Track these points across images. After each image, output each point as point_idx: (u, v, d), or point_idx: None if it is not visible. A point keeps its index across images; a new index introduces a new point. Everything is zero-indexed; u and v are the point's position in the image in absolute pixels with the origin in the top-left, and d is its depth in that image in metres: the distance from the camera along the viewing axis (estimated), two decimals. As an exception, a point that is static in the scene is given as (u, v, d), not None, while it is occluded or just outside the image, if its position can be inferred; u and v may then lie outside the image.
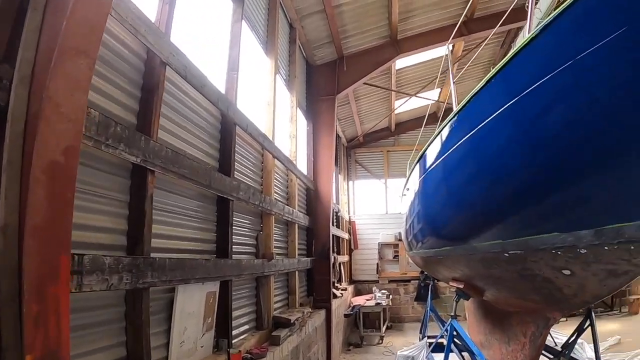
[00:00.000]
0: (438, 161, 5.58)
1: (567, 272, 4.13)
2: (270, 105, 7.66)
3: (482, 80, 4.38)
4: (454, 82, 6.22)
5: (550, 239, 3.85)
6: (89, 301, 3.21)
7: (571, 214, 3.64)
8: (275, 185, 7.76)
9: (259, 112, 7.48)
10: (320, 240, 10.64)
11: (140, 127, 3.84)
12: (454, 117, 5.07)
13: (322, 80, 11.84)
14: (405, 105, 17.57)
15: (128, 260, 3.36)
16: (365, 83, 13.70)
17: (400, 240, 17.99)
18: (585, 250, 3.65)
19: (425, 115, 18.79)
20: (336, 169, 16.96)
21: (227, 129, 5.59)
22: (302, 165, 10.82)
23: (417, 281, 17.54)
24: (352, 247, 18.88)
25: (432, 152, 5.90)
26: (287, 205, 8.47)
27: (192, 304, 4.51)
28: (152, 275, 3.66)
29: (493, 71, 4.18)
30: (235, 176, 5.74)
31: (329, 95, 11.69)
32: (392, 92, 15.97)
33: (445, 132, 5.36)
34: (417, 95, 15.90)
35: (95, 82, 3.37)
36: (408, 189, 7.92)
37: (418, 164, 6.87)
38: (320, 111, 11.55)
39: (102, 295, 3.36)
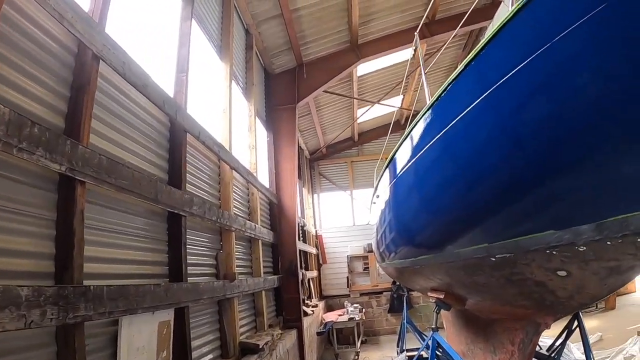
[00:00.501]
0: (410, 164, 5.15)
1: (562, 273, 3.72)
2: (226, 113, 7.10)
3: (455, 71, 4.01)
4: (424, 73, 5.79)
5: (544, 238, 3.44)
6: (5, 343, 2.59)
7: (567, 208, 3.22)
8: (235, 199, 7.18)
9: (214, 120, 6.91)
10: (287, 257, 10.06)
11: (68, 130, 3.24)
12: (424, 114, 4.68)
13: (281, 89, 11.37)
14: (368, 114, 17.28)
15: (53, 290, 2.74)
16: (326, 91, 13.33)
17: (369, 251, 17.57)
18: (585, 248, 3.25)
19: (388, 123, 18.87)
20: (300, 182, 16.45)
21: (177, 137, 5.01)
22: (264, 178, 10.26)
23: (389, 292, 17.10)
24: (321, 261, 18.33)
25: (403, 155, 5.47)
26: (249, 220, 7.89)
27: (141, 338, 3.87)
28: (86, 308, 3.03)
29: (466, 60, 3.80)
30: (188, 189, 5.15)
31: (289, 104, 11.21)
32: (354, 100, 15.63)
33: (416, 132, 4.95)
34: (380, 102, 15.60)
35: (9, 74, 2.79)
36: (378, 197, 7.47)
37: (387, 170, 6.45)
38: (280, 121, 11.04)
39: (24, 335, 2.72)
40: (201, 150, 5.87)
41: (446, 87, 4.15)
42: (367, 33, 11.83)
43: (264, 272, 8.63)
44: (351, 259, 18.04)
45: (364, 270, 17.92)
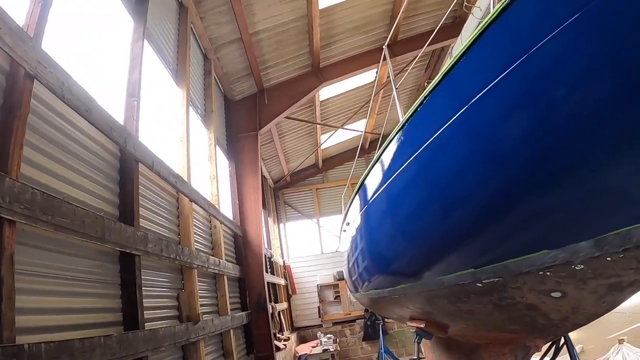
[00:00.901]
0: (382, 188, 4.84)
1: (557, 294, 3.43)
2: (183, 142, 6.66)
3: (427, 88, 3.78)
4: (396, 88, 5.53)
5: (537, 258, 3.15)
6: None
7: (561, 225, 2.94)
8: (196, 234, 6.69)
9: (170, 150, 6.47)
10: (255, 291, 9.53)
11: (-7, 161, 2.78)
12: (395, 136, 4.42)
13: (242, 116, 11.00)
14: (331, 140, 17.07)
15: (-27, 355, 2.25)
16: (288, 117, 13.07)
17: (339, 279, 17.14)
18: (583, 266, 2.96)
19: (352, 148, 18.73)
20: (265, 212, 15.98)
21: (128, 167, 4.55)
22: (227, 210, 9.79)
23: (362, 320, 16.62)
24: (290, 292, 17.74)
25: (374, 180, 5.16)
26: (213, 255, 7.39)
27: (90, 399, 3.35)
28: (19, 372, 2.54)
29: (438, 76, 3.57)
30: (142, 225, 4.67)
31: (250, 131, 10.84)
32: (318, 126, 15.39)
33: (387, 155, 4.66)
34: (344, 127, 15.42)
35: None
36: (348, 224, 7.11)
37: (357, 196, 6.13)
38: (242, 149, 10.63)
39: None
40: (156, 182, 5.40)
41: (418, 106, 3.91)
42: (329, 56, 11.68)
43: (231, 309, 8.10)
44: (321, 288, 17.53)
45: (335, 298, 17.43)
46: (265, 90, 11.33)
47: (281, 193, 19.42)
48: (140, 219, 4.63)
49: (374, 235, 5.64)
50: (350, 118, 15.15)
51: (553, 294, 3.43)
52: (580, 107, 2.42)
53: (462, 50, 3.18)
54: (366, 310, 16.29)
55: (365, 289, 7.01)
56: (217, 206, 7.99)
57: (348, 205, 6.82)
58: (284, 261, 18.03)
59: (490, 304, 4.00)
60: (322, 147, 17.65)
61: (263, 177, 16.11)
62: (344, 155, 19.24)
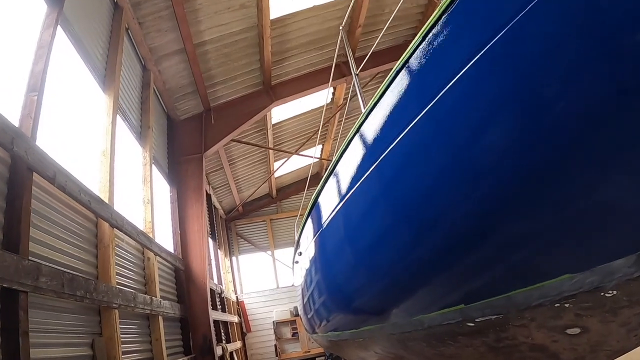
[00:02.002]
0: (338, 207, 3.99)
1: (574, 330, 2.62)
2: (106, 157, 5.64)
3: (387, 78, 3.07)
4: (360, 92, 4.77)
5: (555, 286, 2.38)
6: None
7: (592, 237, 2.18)
8: (122, 266, 5.60)
9: (90, 166, 5.44)
10: (200, 331, 8.38)
11: None
12: (353, 138, 3.66)
13: (187, 138, 10.02)
14: (286, 167, 16.20)
15: None
16: (238, 141, 12.17)
17: (297, 315, 16.02)
18: (615, 292, 2.19)
19: (308, 176, 17.85)
20: (215, 244, 14.83)
21: (17, 178, 3.52)
22: (167, 241, 8.69)
23: (322, 357, 15.48)
24: (245, 330, 16.46)
25: (328, 197, 4.31)
26: (145, 293, 6.30)
27: None
28: None
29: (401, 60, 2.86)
30: (37, 253, 3.62)
31: (195, 153, 9.84)
32: (270, 152, 14.53)
33: (343, 166, 3.86)
34: (298, 153, 14.59)
35: None
36: (300, 254, 6.17)
37: (310, 218, 5.25)
38: (186, 173, 9.60)
39: None
40: (65, 201, 4.35)
41: (380, 97, 3.17)
42: (282, 73, 10.96)
43: (169, 355, 6.95)
44: (277, 324, 16.34)
45: (293, 335, 16.26)
46: (212, 110, 10.43)
47: (233, 224, 18.31)
48: (35, 245, 3.59)
49: (330, 266, 4.74)
50: (304, 144, 14.35)
51: (570, 331, 2.62)
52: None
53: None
54: (326, 348, 15.21)
55: (324, 329, 6.06)
56: (151, 235, 6.92)
57: (300, 230, 5.93)
58: (237, 297, 16.79)
59: (483, 346, 3.17)
60: (276, 175, 16.78)
61: (214, 207, 15.06)
62: (299, 184, 18.39)
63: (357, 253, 3.84)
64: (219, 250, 15.53)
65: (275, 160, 15.53)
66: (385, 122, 3.15)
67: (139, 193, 7.28)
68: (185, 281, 8.59)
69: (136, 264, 6.29)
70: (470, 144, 2.32)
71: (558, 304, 2.40)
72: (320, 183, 4.54)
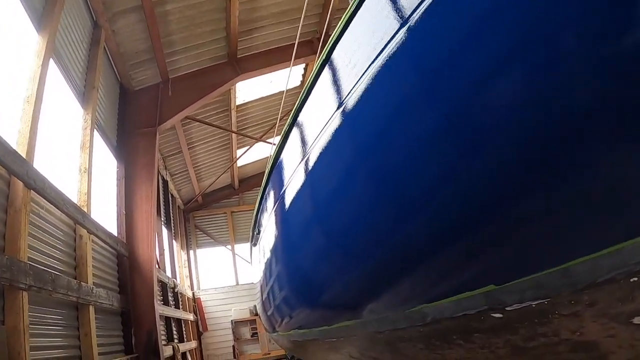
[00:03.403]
0: (307, 160, 3.07)
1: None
2: (29, 104, 4.56)
3: None
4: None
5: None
6: None
7: None
8: (37, 239, 4.48)
9: (9, 114, 4.36)
10: (144, 328, 7.25)
11: None
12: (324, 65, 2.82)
13: (141, 110, 8.90)
14: (249, 156, 15.18)
15: None
16: (199, 120, 11.09)
17: (257, 314, 14.96)
18: None
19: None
20: (170, 234, 13.65)
21: None
22: (110, 224, 7.56)
23: (283, 360, 14.51)
24: (201, 329, 15.29)
25: (293, 155, 3.39)
26: (73, 277, 5.21)
27: None
28: None
29: None
30: None
31: (148, 127, 8.73)
32: (233, 136, 13.46)
33: (314, 108, 3.01)
34: (263, 140, 13.57)
35: None
36: (259, 232, 5.15)
37: (270, 185, 4.29)
38: (136, 149, 8.47)
39: None
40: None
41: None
42: (250, 46, 10.01)
43: (105, 353, 5.86)
44: (236, 324, 15.23)
45: (252, 336, 15.18)
46: (171, 81, 9.34)
47: (192, 216, 17.11)
48: None
49: (293, 244, 3.75)
50: (270, 129, 13.33)
51: (638, 320, 1.76)
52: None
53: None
54: (288, 349, 14.23)
55: (286, 327, 5.04)
56: (85, 209, 5.80)
57: (258, 201, 4.95)
58: (193, 293, 15.60)
59: (506, 346, 2.27)
60: (239, 164, 15.72)
61: (171, 195, 13.90)
62: (263, 176, 17.31)
63: (333, 219, 2.89)
64: (174, 241, 14.36)
65: (238, 147, 14.48)
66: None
67: (75, 161, 6.15)
68: (128, 269, 7.47)
69: (63, 242, 5.17)
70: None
71: (636, 278, 1.55)
72: (282, 135, 3.60)
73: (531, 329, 1.99)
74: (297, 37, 6.14)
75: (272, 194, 4.31)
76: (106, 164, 8.03)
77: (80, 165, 6.12)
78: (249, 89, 11.87)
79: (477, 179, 1.79)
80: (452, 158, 1.84)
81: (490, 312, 2.03)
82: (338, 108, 2.56)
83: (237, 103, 12.04)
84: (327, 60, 2.81)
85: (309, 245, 3.30)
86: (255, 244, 5.48)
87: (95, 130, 7.04)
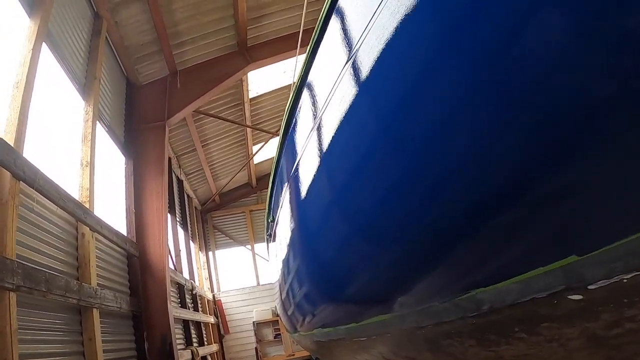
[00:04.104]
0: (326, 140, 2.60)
1: None
2: (19, 89, 4.17)
3: None
4: None
5: None
6: None
7: None
8: (30, 235, 4.06)
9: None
10: (158, 332, 6.84)
11: None
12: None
13: (148, 105, 8.53)
14: (266, 152, 14.72)
15: None
16: (212, 115, 10.70)
17: (279, 315, 14.52)
18: None
19: None
20: (187, 235, 13.29)
21: None
22: (119, 223, 7.18)
23: (308, 361, 14.04)
24: (222, 332, 14.91)
25: (307, 119, 2.94)
26: (75, 278, 4.81)
27: None
28: None
29: None
30: None
31: (157, 121, 8.34)
32: (248, 131, 13.05)
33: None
34: (279, 134, 13.06)
35: None
36: (273, 220, 4.65)
37: (283, 163, 3.83)
38: (145, 144, 8.08)
39: None
40: None
41: None
42: (260, 35, 9.57)
43: (114, 359, 5.47)
44: (258, 325, 14.82)
45: (275, 337, 14.74)
46: (179, 73, 8.95)
47: (209, 216, 16.75)
48: None
49: (313, 231, 3.24)
50: (286, 123, 12.86)
51: None
52: None
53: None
54: (312, 350, 13.77)
55: (308, 326, 4.56)
56: (87, 206, 5.40)
57: (270, 192, 4.47)
58: (214, 295, 15.24)
59: (582, 337, 1.77)
60: (256, 160, 15.30)
61: (187, 195, 13.55)
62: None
63: (361, 196, 2.39)
64: (192, 242, 13.99)
65: (254, 143, 14.05)
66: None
67: (74, 153, 5.76)
68: (139, 270, 7.07)
69: (62, 239, 4.77)
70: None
71: None
72: (292, 95, 3.14)
73: (617, 312, 1.50)
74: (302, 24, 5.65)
75: (284, 172, 3.85)
76: (113, 160, 7.68)
77: (81, 159, 5.72)
78: (262, 81, 11.43)
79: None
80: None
81: (567, 294, 1.54)
82: (362, 57, 2.07)
83: (250, 96, 11.61)
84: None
85: (331, 231, 2.80)
86: (270, 235, 5.00)
87: (100, 124, 6.70)
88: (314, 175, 2.84)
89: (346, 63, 2.21)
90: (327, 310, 3.71)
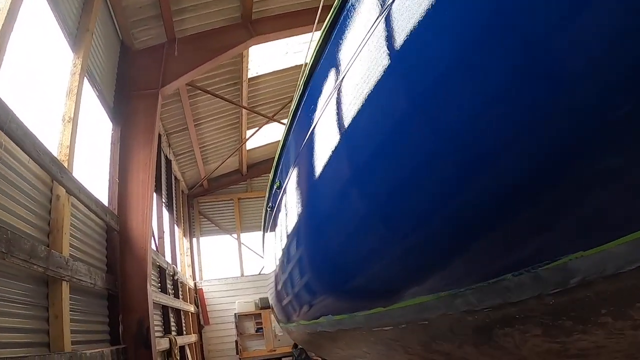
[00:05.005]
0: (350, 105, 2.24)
1: None
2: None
3: None
4: None
5: None
6: None
7: None
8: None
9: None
10: (134, 315, 6.19)
11: None
12: None
13: (142, 71, 7.90)
14: (259, 138, 14.16)
15: None
16: (208, 92, 10.09)
17: (262, 308, 13.95)
18: None
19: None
20: (172, 218, 12.64)
21: None
22: (101, 194, 6.53)
23: (289, 358, 13.42)
24: (202, 322, 14.26)
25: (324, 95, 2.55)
26: (45, 244, 4.19)
27: None
28: None
29: None
30: None
31: (150, 89, 7.70)
32: (243, 114, 12.45)
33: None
34: (275, 119, 12.50)
35: None
36: (280, 187, 4.05)
37: (292, 138, 3.35)
38: (135, 111, 7.43)
39: None
40: None
41: None
42: (266, 8, 9.01)
43: (83, 342, 4.84)
44: (240, 318, 14.17)
45: (257, 331, 14.11)
46: (177, 41, 8.32)
47: (196, 201, 16.09)
48: None
49: (331, 208, 2.76)
50: (283, 108, 12.25)
51: None
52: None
53: None
54: (295, 346, 13.17)
55: (310, 315, 4.06)
56: (64, 165, 4.75)
57: (276, 164, 3.91)
58: (195, 283, 14.59)
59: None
60: (248, 147, 14.71)
61: (174, 177, 12.89)
62: (273, 162, 16.13)
63: (390, 168, 2.03)
64: (176, 227, 13.34)
65: (248, 127, 13.44)
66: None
67: (56, 106, 5.12)
68: (120, 246, 6.42)
69: (33, 198, 4.14)
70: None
71: None
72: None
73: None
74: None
75: (293, 145, 3.33)
76: (99, 126, 7.04)
77: (63, 114, 5.08)
78: (263, 60, 10.84)
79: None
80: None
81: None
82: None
83: (250, 75, 11.01)
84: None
85: (354, 207, 2.38)
86: (272, 207, 4.41)
87: (88, 84, 6.08)
88: (335, 149, 2.45)
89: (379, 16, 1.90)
90: (324, 301, 3.22)
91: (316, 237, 2.94)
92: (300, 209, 3.24)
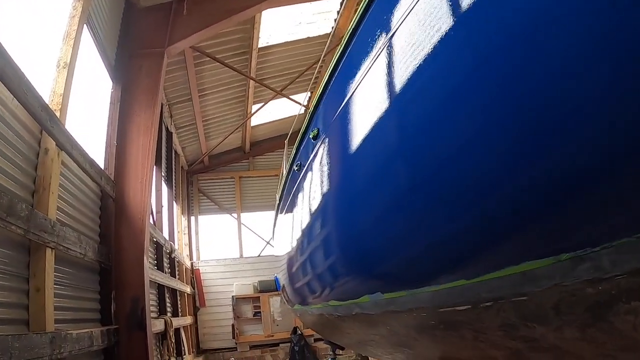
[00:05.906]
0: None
1: None
2: None
3: None
4: None
5: None
6: None
7: None
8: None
9: None
10: (129, 293, 5.57)
11: None
12: None
13: (148, 29, 7.19)
14: (264, 114, 13.50)
15: None
16: (215, 59, 9.45)
17: (262, 291, 13.39)
18: None
19: (287, 132, 14.74)
20: (171, 192, 12.02)
21: None
22: (97, 154, 5.91)
23: (287, 344, 12.89)
24: (198, 304, 13.70)
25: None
26: (29, 205, 3.57)
27: None
28: None
29: None
30: None
31: (155, 47, 7.02)
32: (250, 87, 11.78)
33: None
34: (283, 94, 11.82)
35: None
36: (316, 139, 3.42)
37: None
38: (139, 70, 6.75)
39: None
40: None
41: None
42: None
43: (69, 321, 4.24)
44: (237, 300, 13.59)
45: (254, 315, 13.53)
46: (187, 1, 7.63)
47: (196, 178, 15.46)
48: None
49: (370, 178, 2.39)
50: (293, 82, 11.58)
51: None
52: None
53: None
54: (294, 332, 12.64)
55: (318, 298, 3.57)
56: (56, 115, 4.10)
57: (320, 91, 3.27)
58: (192, 263, 14.00)
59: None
60: (253, 123, 14.05)
61: (174, 151, 12.25)
62: (277, 140, 15.42)
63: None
64: (175, 203, 12.72)
65: (254, 102, 12.78)
66: None
67: (51, 51, 4.47)
68: (115, 215, 5.79)
69: (17, 150, 3.50)
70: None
71: None
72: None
73: None
74: None
75: (339, 89, 2.74)
76: (99, 84, 6.40)
77: (59, 59, 4.42)
78: (275, 29, 10.17)
79: None
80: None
81: None
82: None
83: (260, 45, 10.32)
84: None
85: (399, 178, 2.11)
86: (299, 167, 3.81)
87: (89, 33, 5.44)
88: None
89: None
90: (344, 283, 2.83)
91: (381, 196, 2.28)
92: (346, 170, 2.62)
